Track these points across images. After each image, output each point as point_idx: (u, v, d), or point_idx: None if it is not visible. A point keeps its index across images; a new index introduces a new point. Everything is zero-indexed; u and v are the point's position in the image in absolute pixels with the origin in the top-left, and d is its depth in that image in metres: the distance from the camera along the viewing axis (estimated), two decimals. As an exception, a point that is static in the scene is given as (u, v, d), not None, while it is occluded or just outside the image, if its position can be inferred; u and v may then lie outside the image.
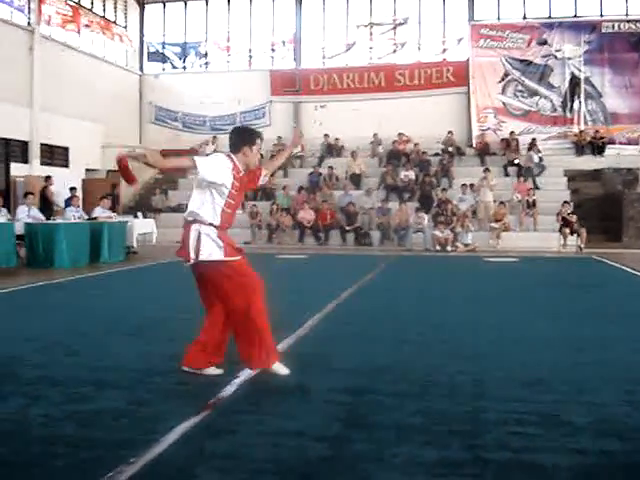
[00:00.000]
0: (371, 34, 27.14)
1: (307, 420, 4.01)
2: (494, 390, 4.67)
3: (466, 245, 18.97)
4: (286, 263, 15.51)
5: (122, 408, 4.23)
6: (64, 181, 20.31)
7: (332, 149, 25.60)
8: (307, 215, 20.56)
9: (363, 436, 3.76)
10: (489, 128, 25.48)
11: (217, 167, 4.78)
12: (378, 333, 6.82)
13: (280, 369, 4.84)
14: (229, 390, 4.60)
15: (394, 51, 27.06)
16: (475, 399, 4.45)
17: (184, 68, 28.75)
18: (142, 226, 16.84)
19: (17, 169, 20.58)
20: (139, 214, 17.49)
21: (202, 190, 4.83)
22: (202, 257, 4.74)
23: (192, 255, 4.77)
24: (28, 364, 5.41)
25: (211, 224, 4.81)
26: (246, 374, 4.96)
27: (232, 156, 4.89)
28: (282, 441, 3.66)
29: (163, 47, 28.86)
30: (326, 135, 25.59)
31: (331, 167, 23.54)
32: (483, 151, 24.40)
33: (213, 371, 4.99)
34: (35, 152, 21.40)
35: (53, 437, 3.73)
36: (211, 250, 4.76)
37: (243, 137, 5.00)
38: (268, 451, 3.52)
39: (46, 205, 17.40)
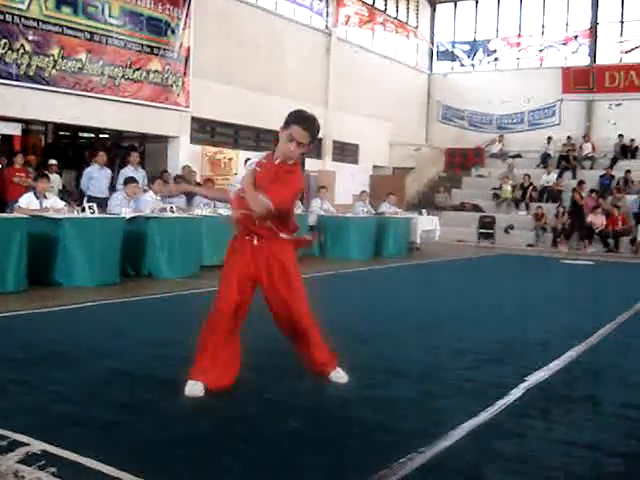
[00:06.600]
0: (678, 25, 25.01)
1: (598, 433, 3.86)
2: None
3: None
4: (573, 268, 14.86)
5: (412, 398, 4.38)
6: (353, 176, 21.35)
7: (626, 150, 24.06)
8: (597, 220, 19.48)
9: (663, 457, 3.55)
10: None
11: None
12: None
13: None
14: (516, 393, 4.55)
15: None
16: None
17: (472, 66, 28.68)
18: (426, 223, 17.11)
19: (311, 164, 21.92)
20: (423, 211, 17.78)
21: None
22: None
23: None
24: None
25: None
26: (534, 379, 4.89)
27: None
28: (572, 451, 3.55)
29: (453, 46, 28.99)
30: (620, 135, 24.12)
31: (629, 170, 22.04)
32: None
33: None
34: (328, 148, 22.61)
35: (349, 418, 3.95)
36: None
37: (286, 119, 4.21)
38: (558, 460, 3.44)
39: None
